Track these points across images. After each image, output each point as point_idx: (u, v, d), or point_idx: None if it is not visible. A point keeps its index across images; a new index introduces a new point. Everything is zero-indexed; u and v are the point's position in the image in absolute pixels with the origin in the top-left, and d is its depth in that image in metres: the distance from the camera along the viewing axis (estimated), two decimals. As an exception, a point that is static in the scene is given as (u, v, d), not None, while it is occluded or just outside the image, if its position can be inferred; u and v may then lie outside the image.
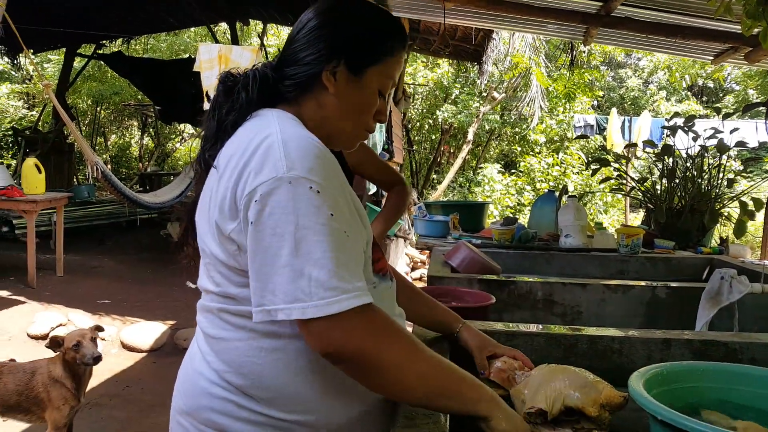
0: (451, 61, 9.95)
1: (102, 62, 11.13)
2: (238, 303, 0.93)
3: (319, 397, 0.92)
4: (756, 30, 2.63)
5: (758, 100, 13.34)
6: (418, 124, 13.07)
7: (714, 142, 3.24)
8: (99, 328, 2.63)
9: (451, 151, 13.41)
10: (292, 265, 0.82)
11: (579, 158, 11.26)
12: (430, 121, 12.78)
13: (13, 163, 10.32)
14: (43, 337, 4.21)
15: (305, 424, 0.92)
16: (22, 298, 4.80)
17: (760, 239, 3.27)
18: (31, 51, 9.16)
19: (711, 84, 15.40)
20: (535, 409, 0.99)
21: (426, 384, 0.87)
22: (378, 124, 1.08)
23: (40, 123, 11.16)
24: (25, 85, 13.69)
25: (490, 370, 1.16)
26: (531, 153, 12.10)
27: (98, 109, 13.93)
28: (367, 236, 0.97)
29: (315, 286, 0.81)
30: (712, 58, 4.73)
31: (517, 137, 12.90)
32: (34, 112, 13.48)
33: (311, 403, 0.92)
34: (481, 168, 12.25)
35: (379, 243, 2.01)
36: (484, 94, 11.37)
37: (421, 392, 0.88)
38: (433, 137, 13.40)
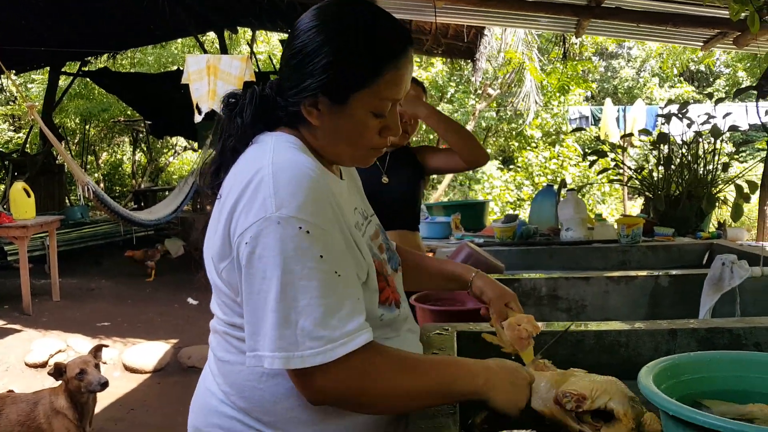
0: (444, 59, 9.94)
1: (88, 79, 11.08)
2: (240, 330, 0.92)
3: (320, 421, 0.91)
4: (743, 14, 2.63)
5: (748, 83, 13.40)
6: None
7: (708, 127, 3.24)
8: (100, 348, 2.60)
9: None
10: (278, 312, 0.80)
11: (575, 150, 11.27)
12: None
13: (2, 187, 10.27)
14: (42, 365, 4.17)
15: None
16: (18, 326, 4.74)
17: (756, 220, 3.28)
18: (13, 72, 9.13)
19: (702, 67, 15.42)
20: (576, 393, 0.94)
21: (421, 394, 0.89)
22: None
23: (27, 145, 11.11)
24: (9, 107, 13.64)
25: (502, 323, 1.15)
26: (528, 148, 12.10)
27: (87, 127, 13.81)
28: (368, 267, 0.94)
29: (300, 335, 0.80)
30: (702, 44, 4.74)
31: (513, 133, 12.90)
32: (21, 134, 13.44)
33: (314, 427, 0.92)
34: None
35: (429, 120, 2.03)
36: (479, 92, 11.38)
37: (417, 405, 0.91)
38: (431, 137, 13.40)
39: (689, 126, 3.28)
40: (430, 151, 2.24)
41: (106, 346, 2.77)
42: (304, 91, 0.91)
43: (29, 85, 13.33)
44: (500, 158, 13.23)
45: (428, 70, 11.48)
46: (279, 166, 0.86)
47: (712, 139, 3.18)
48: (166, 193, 9.32)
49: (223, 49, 8.53)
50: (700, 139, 3.24)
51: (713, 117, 3.26)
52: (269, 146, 0.91)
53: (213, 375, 1.00)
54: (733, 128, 3.35)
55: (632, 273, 2.07)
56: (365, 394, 0.86)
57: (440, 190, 11.62)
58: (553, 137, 12.15)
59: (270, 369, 0.86)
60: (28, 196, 5.40)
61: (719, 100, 3.52)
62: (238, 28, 9.28)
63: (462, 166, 2.14)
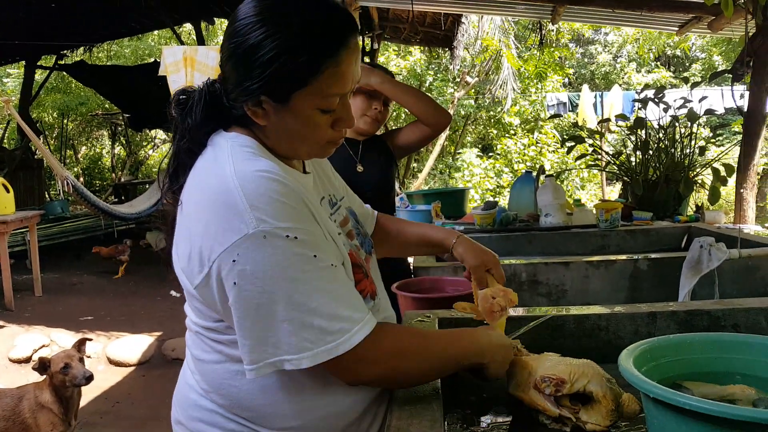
0: (422, 48, 9.91)
1: (65, 73, 10.90)
2: (214, 332, 0.92)
3: (298, 415, 0.92)
4: (718, -2, 2.65)
5: (723, 67, 13.56)
6: (394, 113, 13.03)
7: (684, 111, 3.27)
8: (83, 342, 2.58)
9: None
10: (292, 319, 0.81)
11: (554, 137, 11.34)
12: (406, 110, 12.75)
13: (-20, 183, 10.05)
14: (26, 360, 4.14)
15: None
16: (0, 322, 4.69)
17: (733, 203, 3.34)
18: (-13, 66, 8.95)
19: (678, 52, 15.58)
20: (555, 378, 0.95)
21: (440, 366, 0.94)
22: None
23: (5, 140, 10.91)
24: (-16, 102, 13.34)
25: (477, 294, 1.17)
26: (507, 135, 12.15)
27: (65, 121, 13.61)
28: (343, 259, 0.94)
29: (319, 333, 0.82)
30: (677, 28, 4.78)
31: (492, 120, 12.93)
32: (-2, 129, 13.16)
33: (292, 421, 0.92)
34: (459, 153, 12.27)
35: (384, 87, 1.99)
36: (458, 80, 11.38)
37: (436, 374, 0.96)
38: (402, 119, 13.39)
39: (666, 110, 3.31)
40: (396, 132, 2.21)
41: (90, 339, 2.75)
42: (244, 93, 0.87)
43: (5, 80, 13.06)
44: (479, 146, 13.28)
45: (406, 59, 11.46)
46: (244, 179, 0.83)
47: (689, 123, 3.22)
48: (146, 186, 9.23)
49: (200, 41, 8.42)
50: (677, 124, 3.27)
51: (689, 101, 3.29)
52: (226, 154, 0.88)
53: (191, 372, 1.00)
54: (709, 112, 3.39)
55: (612, 257, 2.09)
56: (397, 369, 0.90)
57: (420, 179, 11.63)
58: (532, 124, 12.22)
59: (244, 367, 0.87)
60: (8, 191, 5.33)
61: (695, 85, 3.56)
62: (215, 19, 9.15)
63: (427, 132, 2.10)
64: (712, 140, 3.87)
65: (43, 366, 2.40)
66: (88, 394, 3.50)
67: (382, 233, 1.29)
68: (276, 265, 0.81)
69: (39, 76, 10.68)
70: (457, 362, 0.96)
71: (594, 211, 2.83)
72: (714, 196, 3.03)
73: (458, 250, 1.24)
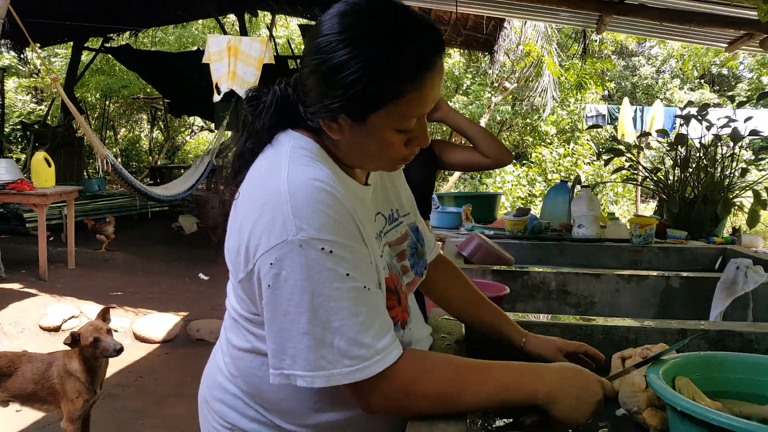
0: (462, 50, 9.87)
1: (110, 56, 11.15)
2: (250, 323, 0.94)
3: (315, 415, 0.93)
4: (772, 16, 2.58)
5: (772, 88, 13.15)
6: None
7: (728, 130, 3.20)
8: (107, 311, 2.62)
9: (462, 142, 13.32)
10: (313, 334, 0.80)
11: (590, 148, 11.18)
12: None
13: (23, 157, 10.38)
14: (56, 329, 4.29)
15: None
16: (34, 291, 4.86)
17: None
18: (38, 45, 9.20)
19: (725, 71, 15.19)
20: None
21: (473, 405, 0.88)
22: None
23: (49, 117, 11.22)
24: (32, 80, 13.75)
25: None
26: (542, 144, 12.02)
27: (107, 102, 13.96)
28: (380, 279, 0.91)
29: (337, 355, 0.81)
30: (726, 45, 4.67)
31: (528, 128, 12.81)
32: (42, 107, 13.53)
33: (308, 419, 0.94)
34: (491, 159, 12.15)
35: (448, 118, 2.06)
36: (496, 85, 11.30)
37: (471, 410, 0.89)
38: (444, 128, 13.35)
39: (708, 129, 3.24)
40: (449, 147, 2.21)
41: (114, 307, 2.80)
42: (323, 109, 0.86)
43: (52, 59, 13.41)
44: (513, 153, 13.16)
45: (445, 61, 11.40)
46: (295, 185, 0.83)
47: (732, 144, 3.15)
48: (182, 171, 9.40)
49: (243, 32, 8.53)
50: (719, 143, 3.20)
51: (734, 120, 3.22)
52: (285, 155, 0.88)
53: (222, 354, 1.03)
54: (755, 133, 3.30)
55: (643, 272, 2.06)
56: (408, 409, 0.87)
57: (451, 182, 11.58)
58: (568, 134, 12.06)
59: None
60: (49, 165, 5.50)
61: (741, 104, 3.48)
62: (258, 11, 9.26)
63: (486, 163, 2.11)
64: (755, 163, 3.78)
65: (74, 341, 2.46)
66: (113, 366, 3.59)
67: (436, 281, 1.22)
68: (307, 276, 0.80)
69: (85, 57, 10.94)
70: (499, 399, 0.88)
71: (628, 226, 2.80)
72: (753, 219, 2.95)
73: (530, 346, 1.17)
